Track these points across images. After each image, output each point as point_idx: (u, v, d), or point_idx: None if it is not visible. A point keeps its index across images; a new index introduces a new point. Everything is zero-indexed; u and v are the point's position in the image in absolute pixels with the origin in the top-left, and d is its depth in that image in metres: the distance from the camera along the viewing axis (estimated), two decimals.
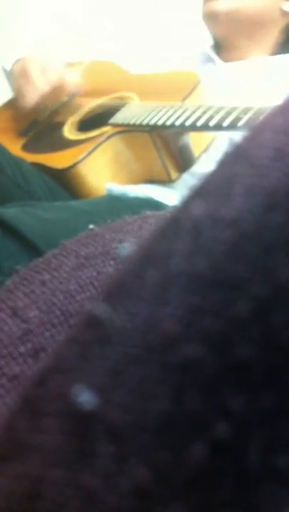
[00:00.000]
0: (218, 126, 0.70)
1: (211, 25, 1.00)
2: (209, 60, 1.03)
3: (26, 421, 0.12)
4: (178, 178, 0.86)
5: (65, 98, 1.04)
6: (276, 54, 1.01)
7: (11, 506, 0.11)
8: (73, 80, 0.97)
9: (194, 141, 0.84)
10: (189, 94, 0.85)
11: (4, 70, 1.09)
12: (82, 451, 0.11)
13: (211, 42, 1.09)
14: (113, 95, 0.98)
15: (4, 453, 0.12)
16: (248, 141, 0.12)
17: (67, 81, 0.96)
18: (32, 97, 0.95)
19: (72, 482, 0.11)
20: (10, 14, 1.50)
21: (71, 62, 1.11)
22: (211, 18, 0.97)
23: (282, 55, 1.00)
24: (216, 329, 0.11)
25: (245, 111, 0.68)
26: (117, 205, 0.72)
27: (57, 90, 0.96)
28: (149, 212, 0.23)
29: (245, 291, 0.11)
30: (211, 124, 0.70)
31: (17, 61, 1.02)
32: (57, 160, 0.87)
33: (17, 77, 0.98)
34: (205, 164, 0.85)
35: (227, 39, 1.01)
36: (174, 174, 0.86)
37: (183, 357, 0.11)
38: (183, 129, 0.76)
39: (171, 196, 0.80)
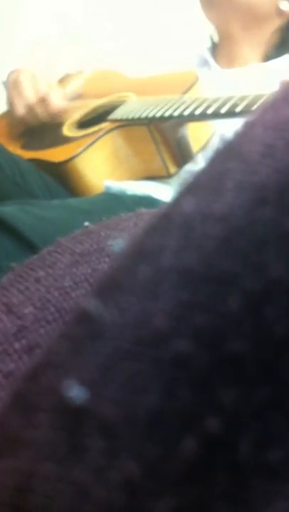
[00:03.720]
0: (216, 114, 0.70)
1: (208, 10, 1.00)
2: (205, 63, 1.03)
3: (18, 416, 0.12)
4: (176, 172, 0.86)
5: (65, 101, 1.04)
6: (271, 56, 1.02)
7: (3, 500, 0.11)
8: (57, 98, 0.96)
9: (193, 137, 0.84)
10: (188, 89, 0.86)
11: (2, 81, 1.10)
12: (73, 445, 0.11)
13: (209, 43, 1.09)
14: (112, 95, 0.98)
15: None
16: (238, 137, 0.12)
17: (52, 96, 0.95)
18: (19, 107, 0.96)
19: (64, 477, 0.11)
20: (10, 14, 1.50)
21: (71, 72, 1.11)
22: (208, 2, 0.98)
23: (276, 60, 1.00)
24: (207, 324, 0.11)
25: (242, 98, 0.68)
26: (115, 203, 0.72)
27: (44, 103, 0.96)
28: (144, 210, 0.23)
29: (237, 287, 0.11)
30: (209, 111, 0.70)
31: (12, 72, 1.02)
32: (55, 154, 0.87)
33: (11, 87, 0.99)
34: (202, 164, 0.85)
35: (222, 26, 1.01)
36: (172, 169, 0.86)
37: (174, 352, 0.11)
38: (181, 119, 0.76)
39: (169, 193, 0.80)
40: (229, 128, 0.82)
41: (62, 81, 1.16)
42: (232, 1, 0.96)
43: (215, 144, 0.87)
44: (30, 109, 0.95)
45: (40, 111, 0.96)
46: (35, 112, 0.96)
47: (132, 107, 0.86)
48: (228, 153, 0.12)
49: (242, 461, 0.11)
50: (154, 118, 0.79)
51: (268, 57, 1.02)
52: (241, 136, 0.12)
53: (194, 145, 0.85)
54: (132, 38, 1.30)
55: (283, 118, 0.12)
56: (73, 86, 1.07)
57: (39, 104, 0.95)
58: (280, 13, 0.99)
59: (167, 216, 0.12)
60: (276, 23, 1.00)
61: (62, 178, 0.85)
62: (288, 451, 0.11)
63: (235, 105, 0.68)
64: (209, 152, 0.87)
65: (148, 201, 0.76)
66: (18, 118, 0.97)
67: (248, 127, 0.12)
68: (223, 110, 0.69)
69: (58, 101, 0.96)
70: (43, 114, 0.96)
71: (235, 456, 0.11)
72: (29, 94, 0.94)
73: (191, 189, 0.12)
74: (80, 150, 0.83)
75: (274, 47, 1.02)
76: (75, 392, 0.11)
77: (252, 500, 0.11)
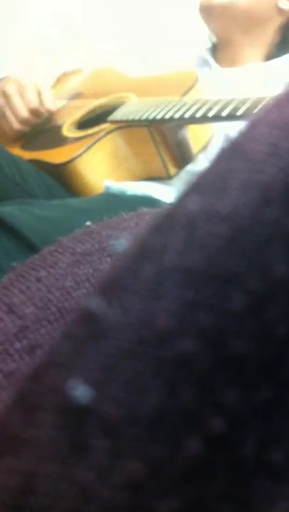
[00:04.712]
0: (217, 117, 0.70)
1: (207, 18, 1.00)
2: (205, 63, 1.03)
3: (20, 415, 0.12)
4: (176, 174, 0.86)
5: (64, 101, 1.04)
6: (272, 54, 1.02)
7: (5, 501, 0.11)
8: (48, 101, 0.96)
9: (193, 138, 0.84)
10: (188, 90, 0.86)
11: None
12: (75, 445, 0.11)
13: (208, 44, 1.09)
14: (112, 96, 0.98)
15: None
16: (243, 136, 0.12)
17: (44, 100, 0.95)
18: (14, 124, 0.96)
19: (66, 476, 0.11)
20: (10, 14, 1.50)
21: (71, 69, 1.11)
22: (207, 11, 0.98)
23: (277, 59, 1.00)
24: (211, 324, 0.11)
25: (244, 101, 0.68)
26: (115, 203, 0.72)
27: (36, 112, 0.96)
28: (145, 209, 0.23)
29: (240, 286, 0.11)
30: (210, 114, 0.70)
31: (1, 80, 1.02)
32: (55, 155, 0.87)
33: (1, 97, 0.98)
34: (202, 164, 0.86)
35: (223, 33, 1.01)
36: (172, 170, 0.86)
37: (177, 351, 0.11)
38: (182, 121, 0.76)
39: (169, 194, 0.80)
40: (229, 129, 0.82)
41: (60, 79, 1.16)
42: (232, 10, 0.95)
43: (215, 144, 0.87)
44: (24, 121, 0.95)
45: (34, 121, 0.96)
46: (29, 123, 0.96)
47: (132, 108, 0.86)
48: (232, 152, 0.12)
49: (245, 462, 0.11)
50: (154, 120, 0.79)
51: (269, 56, 1.02)
52: (246, 135, 0.12)
53: (194, 146, 0.85)
54: (132, 38, 1.30)
55: (287, 117, 0.12)
56: (72, 84, 1.07)
57: (32, 115, 0.95)
58: (280, 12, 0.98)
59: (171, 215, 0.12)
60: (277, 22, 1.00)
61: (62, 179, 0.85)
62: None
63: (236, 108, 0.67)
64: (210, 153, 0.87)
65: (148, 201, 0.76)
66: (13, 132, 0.97)
67: (252, 126, 0.12)
68: (224, 113, 0.69)
69: (50, 105, 0.96)
70: (37, 122, 0.97)
71: (238, 456, 0.11)
72: (20, 109, 0.94)
73: (196, 188, 0.12)
74: (80, 151, 0.83)
75: (275, 46, 1.02)
76: (78, 391, 0.11)
77: (254, 501, 0.11)
